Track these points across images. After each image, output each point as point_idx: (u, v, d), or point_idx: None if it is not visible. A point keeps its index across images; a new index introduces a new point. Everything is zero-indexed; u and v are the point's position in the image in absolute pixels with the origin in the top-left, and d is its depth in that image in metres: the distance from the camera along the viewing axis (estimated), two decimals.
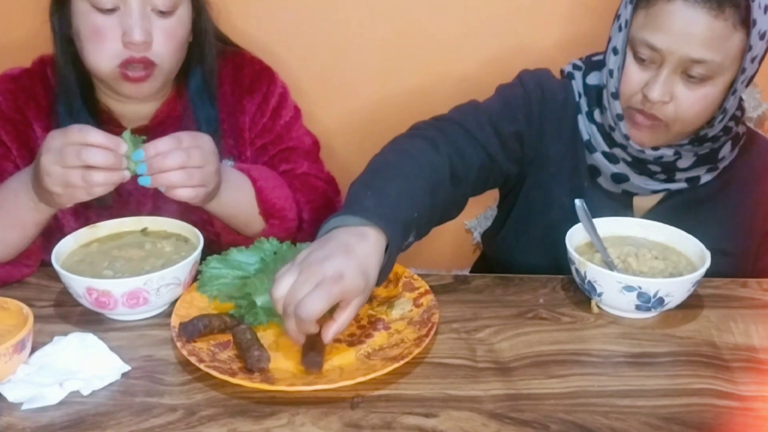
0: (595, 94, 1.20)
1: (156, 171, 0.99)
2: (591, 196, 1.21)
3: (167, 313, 1.03)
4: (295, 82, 1.43)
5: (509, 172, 1.24)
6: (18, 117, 1.21)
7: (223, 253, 1.09)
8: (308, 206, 1.26)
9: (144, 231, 1.14)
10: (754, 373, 0.95)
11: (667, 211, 1.21)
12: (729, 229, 1.23)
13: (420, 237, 1.04)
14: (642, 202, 1.24)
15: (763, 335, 1.03)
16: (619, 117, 1.14)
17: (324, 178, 1.35)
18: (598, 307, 1.08)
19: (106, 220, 1.13)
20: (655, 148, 1.16)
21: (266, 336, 0.99)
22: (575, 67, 1.25)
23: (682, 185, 1.20)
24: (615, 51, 1.12)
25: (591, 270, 1.03)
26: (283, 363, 0.94)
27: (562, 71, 1.27)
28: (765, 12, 1.03)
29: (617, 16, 1.13)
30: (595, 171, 1.22)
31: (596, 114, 1.20)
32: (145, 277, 0.98)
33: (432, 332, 0.98)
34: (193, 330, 0.95)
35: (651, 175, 1.19)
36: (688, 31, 1.03)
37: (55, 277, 1.02)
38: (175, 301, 1.04)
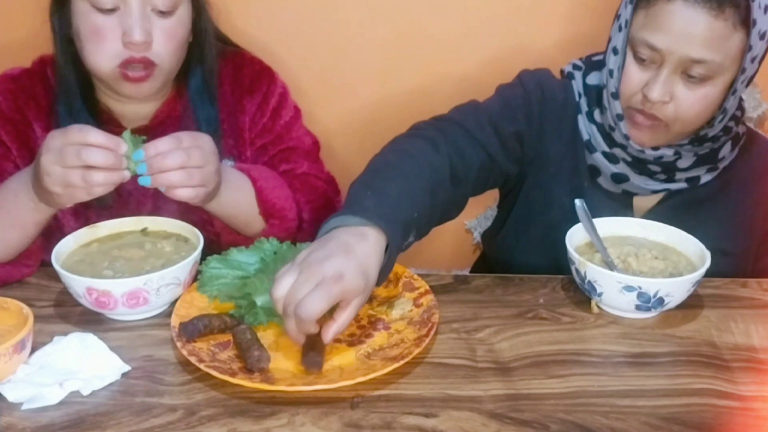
0: (595, 94, 1.20)
1: (156, 171, 0.99)
2: (591, 196, 1.21)
3: (167, 313, 1.03)
4: (295, 82, 1.43)
5: (509, 172, 1.24)
6: (18, 117, 1.21)
7: (223, 253, 1.09)
8: (308, 206, 1.26)
9: (144, 231, 1.14)
10: (754, 373, 0.95)
11: (667, 211, 1.21)
12: (729, 229, 1.23)
13: (420, 237, 1.04)
14: (642, 202, 1.24)
15: (763, 335, 1.03)
16: (619, 117, 1.14)
17: (324, 178, 1.35)
18: (598, 307, 1.08)
19: (106, 220, 1.13)
20: (655, 148, 1.16)
21: (266, 336, 0.99)
22: (575, 67, 1.25)
23: (682, 185, 1.20)
24: (615, 51, 1.12)
25: (591, 270, 1.03)
26: (283, 363, 0.94)
27: (562, 71, 1.27)
28: (765, 12, 1.03)
29: (617, 16, 1.13)
30: (595, 171, 1.22)
31: (596, 114, 1.20)
32: (145, 277, 0.98)
33: (432, 332, 0.98)
34: (193, 330, 0.95)
35: (651, 175, 1.19)
36: (688, 31, 1.03)
37: (55, 277, 1.02)
38: (175, 301, 1.04)
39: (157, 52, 1.14)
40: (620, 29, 1.11)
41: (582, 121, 1.22)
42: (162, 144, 0.99)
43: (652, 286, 1.00)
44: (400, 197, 0.98)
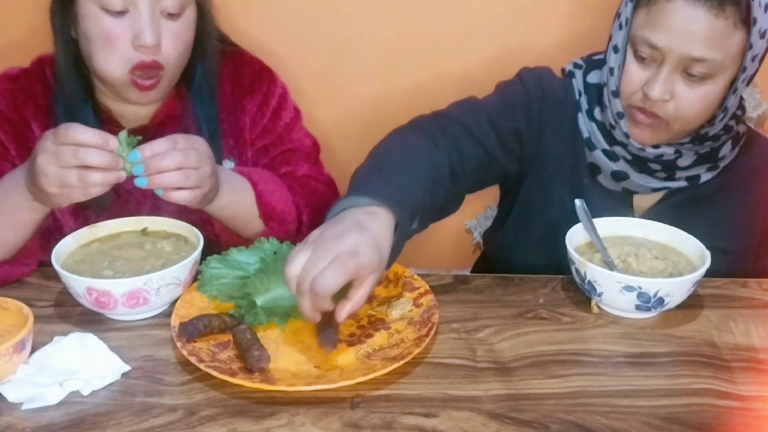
0: (595, 93, 1.20)
1: (153, 171, 0.99)
2: (591, 194, 1.21)
3: (167, 313, 1.03)
4: (295, 82, 1.43)
5: (508, 170, 1.24)
6: (16, 117, 1.21)
7: (223, 253, 1.09)
8: (307, 209, 1.26)
9: (144, 231, 1.14)
10: (754, 373, 0.95)
11: (668, 210, 1.21)
12: (729, 227, 1.23)
13: (421, 228, 1.05)
14: (642, 201, 1.24)
15: (763, 335, 1.03)
16: (620, 115, 1.14)
17: (324, 180, 1.35)
18: (598, 307, 1.08)
19: (106, 220, 1.13)
20: (656, 147, 1.16)
21: (266, 336, 0.99)
22: (576, 65, 1.25)
23: (683, 184, 1.20)
24: (615, 49, 1.12)
25: (591, 270, 1.03)
26: (283, 363, 0.94)
27: (563, 70, 1.27)
28: (765, 11, 1.03)
29: (618, 15, 1.13)
30: (595, 169, 1.22)
31: (596, 112, 1.20)
32: (145, 277, 0.98)
33: (432, 332, 0.98)
34: (193, 330, 0.95)
35: (651, 173, 1.19)
36: (689, 29, 1.03)
37: (55, 277, 1.02)
38: (175, 301, 1.04)
39: (165, 54, 1.14)
40: (621, 27, 1.11)
41: (582, 119, 1.22)
42: (158, 145, 0.99)
43: (652, 286, 1.00)
44: (404, 183, 0.99)
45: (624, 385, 0.93)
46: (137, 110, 1.24)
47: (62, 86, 1.19)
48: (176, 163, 0.99)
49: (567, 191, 1.23)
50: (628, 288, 1.01)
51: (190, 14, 1.17)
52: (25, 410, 0.86)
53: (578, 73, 1.23)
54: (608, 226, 1.15)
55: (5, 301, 0.95)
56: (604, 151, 1.19)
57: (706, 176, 1.21)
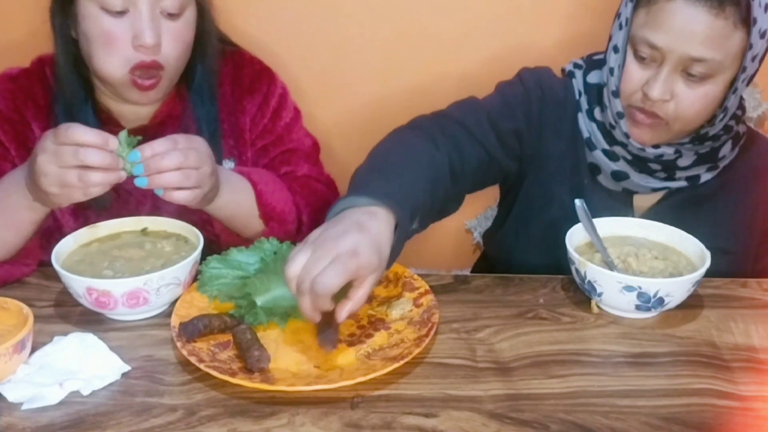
0: (595, 92, 1.20)
1: (153, 171, 0.98)
2: (591, 194, 1.21)
3: (167, 313, 1.03)
4: (295, 82, 1.43)
5: (508, 170, 1.24)
6: (16, 117, 1.21)
7: (223, 253, 1.09)
8: (307, 209, 1.26)
9: (144, 231, 1.14)
10: (754, 373, 0.95)
11: (668, 210, 1.21)
12: (729, 227, 1.23)
13: (421, 228, 1.05)
14: (642, 201, 1.24)
15: (763, 335, 1.03)
16: (620, 115, 1.14)
17: (324, 180, 1.35)
18: (598, 307, 1.08)
19: (106, 220, 1.13)
20: (656, 147, 1.16)
21: (266, 336, 0.99)
22: (576, 65, 1.25)
23: (682, 183, 1.20)
24: (615, 49, 1.12)
25: (591, 270, 1.03)
26: (283, 363, 0.94)
27: (563, 70, 1.27)
28: (765, 11, 1.03)
29: (618, 15, 1.13)
30: (595, 169, 1.22)
31: (596, 112, 1.20)
32: (145, 277, 0.98)
33: (432, 332, 0.98)
34: (193, 330, 0.95)
35: (651, 173, 1.19)
36: (689, 29, 1.03)
37: (55, 277, 1.02)
38: (175, 301, 1.04)
39: (165, 54, 1.14)
40: (621, 27, 1.11)
41: (582, 119, 1.22)
42: (158, 145, 0.99)
43: (652, 286, 1.00)
44: (404, 183, 0.99)
45: (624, 385, 0.93)
46: (137, 110, 1.24)
47: (62, 86, 1.19)
48: (176, 163, 0.99)
49: (567, 191, 1.23)
50: (628, 288, 1.01)
51: (190, 14, 1.17)
52: (25, 410, 0.86)
53: (578, 73, 1.23)
54: (608, 226, 1.15)
55: (5, 301, 0.95)
56: (604, 151, 1.19)
57: (706, 176, 1.21)
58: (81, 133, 0.95)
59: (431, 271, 1.21)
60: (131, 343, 0.98)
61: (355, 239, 0.87)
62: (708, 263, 1.04)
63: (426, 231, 1.08)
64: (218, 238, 1.20)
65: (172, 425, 0.85)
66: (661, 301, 1.01)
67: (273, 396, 0.89)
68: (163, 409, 0.87)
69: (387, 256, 0.91)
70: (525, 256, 1.30)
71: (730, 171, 1.22)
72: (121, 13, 1.10)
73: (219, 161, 1.25)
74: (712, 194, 1.22)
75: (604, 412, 0.88)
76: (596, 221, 1.13)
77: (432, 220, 1.09)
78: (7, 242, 1.09)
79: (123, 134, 0.98)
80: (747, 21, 1.03)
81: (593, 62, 1.23)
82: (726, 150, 1.19)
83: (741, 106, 1.17)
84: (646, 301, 1.01)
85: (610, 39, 1.15)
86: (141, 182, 0.99)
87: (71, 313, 1.04)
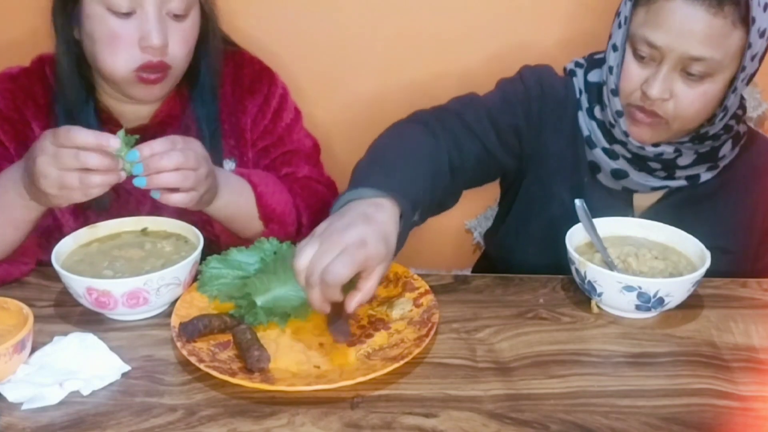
0: (595, 91, 1.20)
1: (152, 171, 0.98)
2: (591, 192, 1.21)
3: (167, 313, 1.03)
4: (295, 82, 1.43)
5: (507, 166, 1.24)
6: (16, 116, 1.21)
7: (223, 253, 1.09)
8: (307, 211, 1.26)
9: (144, 231, 1.14)
10: (754, 373, 0.95)
11: (667, 209, 1.21)
12: (729, 227, 1.23)
13: (421, 221, 1.05)
14: (642, 200, 1.24)
15: (763, 335, 1.03)
16: (619, 113, 1.14)
17: (324, 182, 1.35)
18: (598, 307, 1.08)
19: (106, 220, 1.13)
20: (656, 145, 1.16)
21: (266, 336, 0.99)
22: (577, 64, 1.25)
23: (682, 183, 1.20)
24: (615, 48, 1.12)
25: (591, 270, 1.03)
26: (283, 363, 0.94)
27: (564, 68, 1.27)
28: (764, 10, 1.03)
29: (617, 13, 1.13)
30: (595, 167, 1.22)
31: (596, 110, 1.20)
32: (145, 277, 0.98)
33: (432, 332, 0.98)
34: (193, 330, 0.95)
35: (651, 172, 1.19)
36: (688, 28, 1.03)
37: (55, 277, 1.02)
38: (175, 301, 1.04)
39: (172, 55, 1.14)
40: (620, 26, 1.11)
41: (582, 117, 1.22)
42: (157, 145, 0.99)
43: (652, 286, 1.00)
44: (405, 175, 1.00)
45: (624, 385, 0.93)
46: (138, 110, 1.24)
47: (63, 86, 1.19)
48: (175, 163, 0.99)
49: (567, 189, 1.23)
50: (628, 288, 1.01)
51: (195, 15, 1.17)
52: (25, 410, 0.86)
53: (579, 72, 1.23)
54: (608, 226, 1.15)
55: (5, 301, 0.95)
56: (604, 150, 1.20)
57: (706, 176, 1.21)
58: (82, 135, 0.95)
59: (431, 271, 1.21)
60: (131, 343, 0.98)
61: (362, 230, 0.87)
62: (708, 263, 1.04)
63: (426, 231, 1.08)
64: (218, 238, 1.20)
65: (172, 425, 0.85)
66: (661, 301, 1.01)
67: (273, 396, 0.89)
68: (163, 409, 0.87)
69: (394, 247, 0.91)
70: (525, 255, 1.30)
71: (730, 170, 1.22)
72: (128, 15, 1.10)
73: (220, 161, 1.25)
74: (712, 193, 1.22)
75: (604, 412, 0.88)
76: (596, 221, 1.13)
77: (431, 213, 1.10)
78: (4, 240, 1.08)
79: (121, 133, 0.98)
80: (746, 20, 1.03)
81: (594, 61, 1.23)
82: (726, 149, 1.19)
83: (741, 106, 1.17)
84: (646, 301, 1.01)
85: (609, 37, 1.15)
86: (140, 182, 0.99)
87: (71, 313, 1.04)
